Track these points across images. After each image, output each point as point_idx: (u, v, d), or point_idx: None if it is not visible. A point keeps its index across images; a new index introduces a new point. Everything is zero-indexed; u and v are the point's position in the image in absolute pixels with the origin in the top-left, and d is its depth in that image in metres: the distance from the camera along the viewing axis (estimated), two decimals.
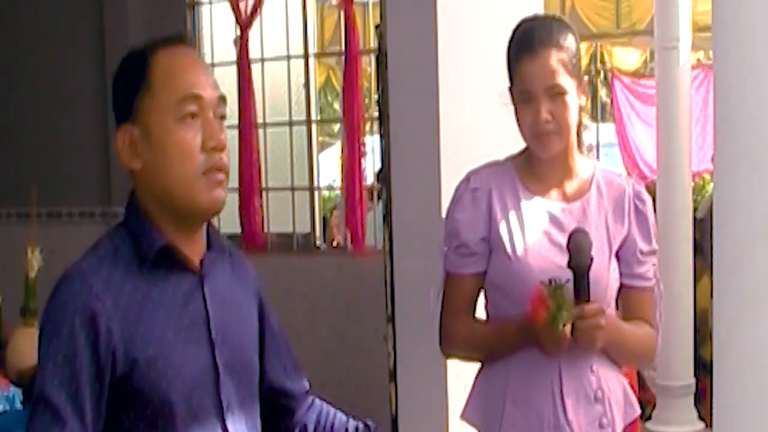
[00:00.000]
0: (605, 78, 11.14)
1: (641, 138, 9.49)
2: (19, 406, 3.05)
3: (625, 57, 10.60)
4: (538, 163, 2.27)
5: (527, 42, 2.20)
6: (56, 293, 1.66)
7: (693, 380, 5.08)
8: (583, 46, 10.73)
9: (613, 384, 2.28)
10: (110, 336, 1.62)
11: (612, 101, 10.09)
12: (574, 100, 2.19)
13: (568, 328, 2.07)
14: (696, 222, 5.45)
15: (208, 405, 1.71)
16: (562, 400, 2.20)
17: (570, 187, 2.28)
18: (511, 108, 2.27)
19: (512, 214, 2.24)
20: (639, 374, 5.50)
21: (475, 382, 2.35)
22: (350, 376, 5.61)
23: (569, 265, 2.08)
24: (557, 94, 2.17)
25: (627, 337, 2.24)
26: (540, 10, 3.50)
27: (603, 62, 10.92)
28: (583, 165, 2.32)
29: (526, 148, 2.30)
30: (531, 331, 2.13)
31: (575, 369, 2.22)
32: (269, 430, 1.95)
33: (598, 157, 11.66)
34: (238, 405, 1.76)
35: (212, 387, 1.72)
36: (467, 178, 2.30)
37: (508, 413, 2.22)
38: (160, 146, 1.69)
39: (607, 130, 11.30)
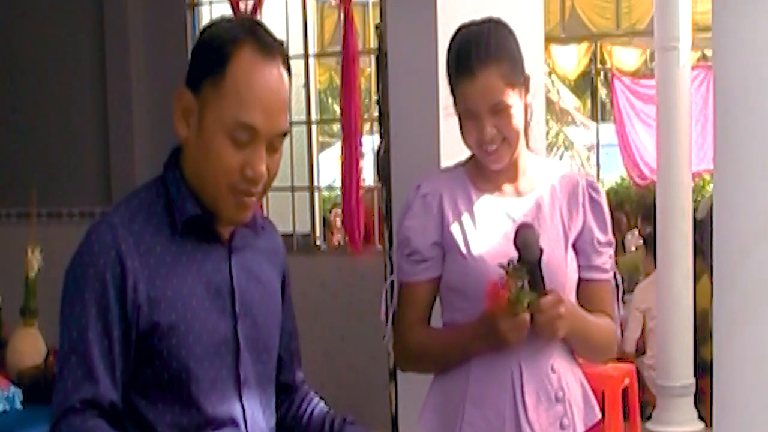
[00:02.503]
0: (605, 78, 11.14)
1: (641, 138, 9.49)
2: (19, 406, 3.05)
3: (625, 57, 10.60)
4: (487, 169, 2.23)
5: (465, 63, 2.15)
6: (87, 244, 1.64)
7: (693, 380, 5.08)
8: (583, 46, 10.76)
9: (573, 385, 2.24)
10: (136, 294, 1.61)
11: (612, 101, 10.09)
12: (519, 108, 2.16)
13: (527, 315, 2.03)
14: (696, 222, 5.45)
15: (226, 376, 1.70)
16: (523, 398, 2.16)
17: (522, 184, 2.25)
18: None
19: (465, 215, 2.20)
20: (639, 374, 5.50)
21: (431, 386, 2.28)
22: (350, 376, 5.61)
23: (519, 261, 2.05)
24: (501, 109, 2.13)
25: (589, 326, 2.20)
26: (540, 11, 3.50)
27: (603, 62, 10.92)
28: (533, 162, 2.28)
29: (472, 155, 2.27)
30: (490, 327, 2.07)
31: (536, 367, 2.18)
32: None
33: (598, 157, 11.66)
34: (255, 382, 1.76)
35: (231, 359, 1.71)
36: (417, 185, 2.25)
37: (467, 414, 2.17)
38: (204, 142, 1.66)
39: (607, 130, 11.31)
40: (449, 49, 2.23)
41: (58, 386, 1.61)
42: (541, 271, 2.05)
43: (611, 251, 2.31)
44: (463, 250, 2.17)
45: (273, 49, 1.68)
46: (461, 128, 2.20)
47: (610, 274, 2.30)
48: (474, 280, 2.15)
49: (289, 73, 1.72)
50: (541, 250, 2.05)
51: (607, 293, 2.29)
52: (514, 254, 2.11)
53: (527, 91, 2.19)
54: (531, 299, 2.02)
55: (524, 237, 2.05)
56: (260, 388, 1.77)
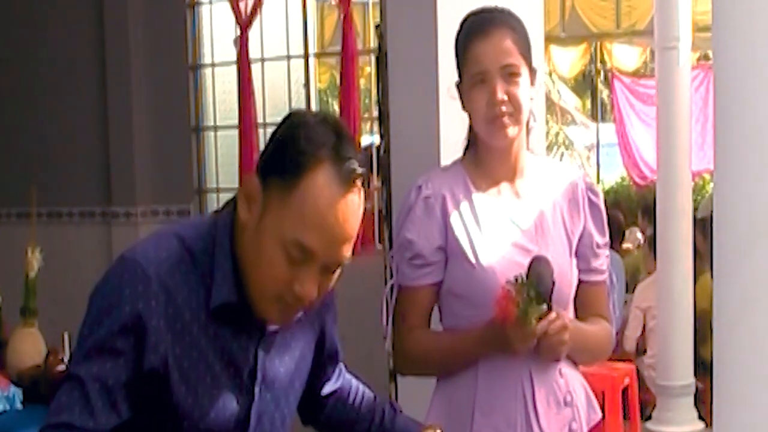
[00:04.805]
0: (605, 78, 11.14)
1: (641, 138, 9.49)
2: (19, 406, 3.05)
3: (625, 57, 10.60)
4: (487, 161, 2.20)
5: (479, 24, 2.14)
6: (117, 280, 1.58)
7: (693, 380, 5.08)
8: (583, 46, 10.76)
9: (578, 388, 2.24)
10: (155, 354, 1.57)
11: (612, 101, 10.09)
12: (527, 86, 2.12)
13: (536, 326, 2.02)
14: (696, 222, 5.45)
15: None
16: (534, 405, 2.14)
17: (522, 185, 2.21)
18: None
19: (469, 220, 2.16)
20: (639, 374, 5.50)
21: (434, 394, 2.25)
22: None
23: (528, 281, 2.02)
24: (511, 74, 2.10)
25: (588, 340, 2.20)
26: (540, 11, 3.50)
27: (603, 62, 10.92)
28: (532, 162, 2.25)
29: (470, 148, 2.24)
30: (498, 334, 2.05)
31: (545, 373, 2.16)
32: (301, 416, 1.92)
33: (598, 158, 11.66)
34: None
35: None
36: (418, 186, 2.19)
37: (476, 423, 2.14)
38: (258, 244, 1.57)
39: (607, 130, 11.31)
40: (459, 30, 2.20)
41: (56, 396, 1.58)
42: (551, 301, 2.03)
43: (607, 252, 2.30)
44: (471, 259, 2.14)
45: (352, 176, 1.56)
46: (469, 100, 2.15)
47: (606, 275, 2.29)
48: (482, 290, 2.12)
49: (364, 200, 1.61)
50: (553, 283, 2.03)
51: (602, 294, 2.29)
52: (520, 259, 2.10)
53: (533, 82, 2.17)
54: (540, 314, 2.01)
55: (538, 271, 2.01)
56: None
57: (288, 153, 1.56)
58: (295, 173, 1.54)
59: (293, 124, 1.61)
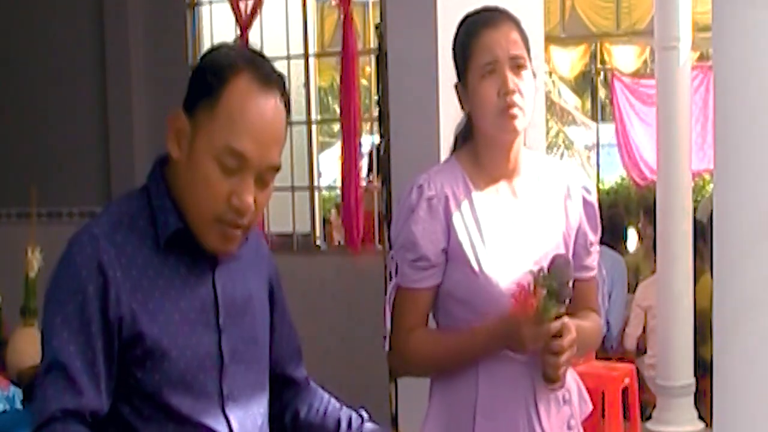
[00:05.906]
0: (605, 78, 11.14)
1: (641, 138, 9.48)
2: (19, 405, 3.05)
3: (625, 57, 10.60)
4: (486, 159, 2.19)
5: (486, 17, 2.16)
6: (68, 256, 1.65)
7: (693, 380, 5.08)
8: (583, 46, 10.76)
9: (572, 384, 2.25)
10: (119, 306, 1.62)
11: (612, 101, 10.08)
12: (531, 83, 2.13)
13: (551, 325, 2.02)
14: (696, 222, 5.46)
15: (210, 391, 1.70)
16: (536, 407, 2.15)
17: (519, 183, 2.21)
18: None
19: (470, 223, 2.15)
20: (639, 374, 5.51)
21: (432, 399, 2.22)
22: (350, 376, 5.61)
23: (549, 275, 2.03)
24: (519, 66, 2.11)
25: (584, 338, 2.19)
26: (540, 11, 3.51)
27: (603, 62, 10.92)
28: (528, 159, 2.25)
29: (466, 145, 2.23)
30: (511, 329, 2.05)
31: None
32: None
33: (598, 158, 11.67)
34: (243, 394, 1.75)
35: (216, 373, 1.71)
36: (419, 186, 2.16)
37: (479, 426, 2.14)
38: (194, 165, 1.65)
39: (607, 130, 11.31)
40: (458, 30, 2.21)
41: (38, 396, 1.61)
42: (566, 307, 2.04)
43: (598, 247, 2.32)
44: (474, 266, 2.13)
45: (271, 80, 1.67)
46: (477, 93, 2.13)
47: (596, 270, 2.31)
48: (483, 295, 2.13)
49: (288, 108, 1.70)
50: (573, 286, 2.06)
51: (593, 289, 2.31)
52: (521, 263, 2.11)
53: (533, 81, 2.17)
54: (557, 312, 2.02)
55: (559, 267, 2.03)
56: (249, 400, 1.77)
57: (208, 74, 1.66)
58: (219, 86, 1.63)
59: (206, 55, 1.73)
